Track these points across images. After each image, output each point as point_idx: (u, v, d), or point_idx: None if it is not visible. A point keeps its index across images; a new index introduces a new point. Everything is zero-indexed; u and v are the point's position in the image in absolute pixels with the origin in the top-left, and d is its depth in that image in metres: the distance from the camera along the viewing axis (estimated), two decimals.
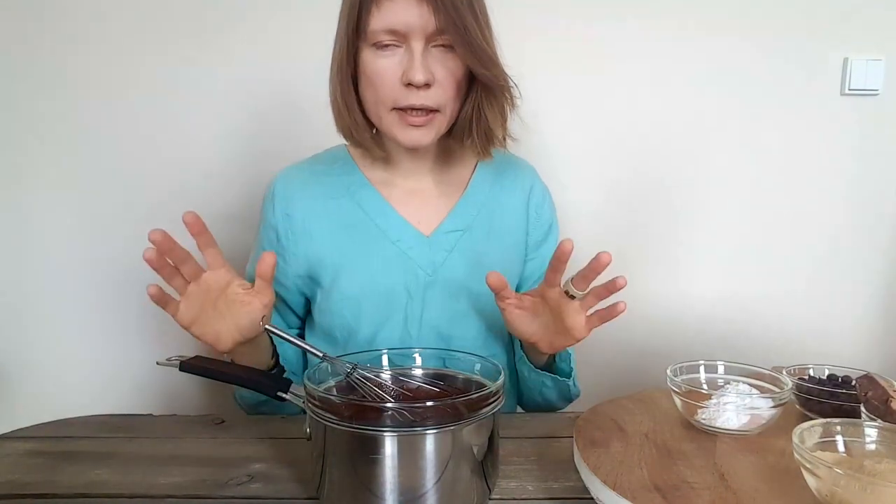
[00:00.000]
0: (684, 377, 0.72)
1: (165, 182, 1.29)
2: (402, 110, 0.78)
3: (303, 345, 0.69)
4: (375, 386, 0.65)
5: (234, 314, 0.72)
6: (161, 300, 0.70)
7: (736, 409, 0.66)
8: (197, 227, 0.70)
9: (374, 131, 0.85)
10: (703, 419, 0.67)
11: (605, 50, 1.27)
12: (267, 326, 0.68)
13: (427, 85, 0.75)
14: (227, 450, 0.74)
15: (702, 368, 0.75)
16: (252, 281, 0.92)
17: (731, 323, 1.34)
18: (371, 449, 0.55)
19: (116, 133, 1.28)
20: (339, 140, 0.89)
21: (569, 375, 0.86)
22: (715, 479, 0.57)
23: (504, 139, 0.86)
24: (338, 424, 0.56)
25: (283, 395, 0.67)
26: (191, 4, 1.25)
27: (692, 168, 1.31)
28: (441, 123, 0.81)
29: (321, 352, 0.67)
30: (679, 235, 1.33)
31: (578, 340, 0.75)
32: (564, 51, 1.26)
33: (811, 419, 0.59)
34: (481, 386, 0.65)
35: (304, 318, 0.95)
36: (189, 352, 0.75)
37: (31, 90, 1.27)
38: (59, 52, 1.26)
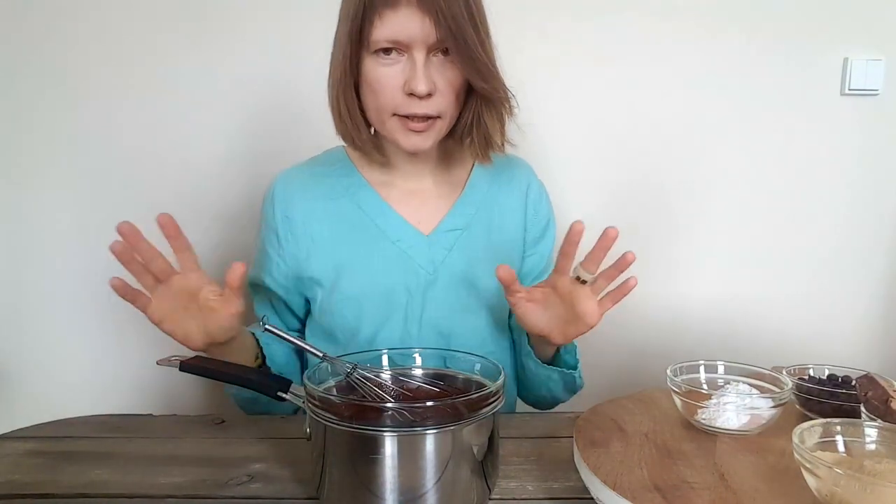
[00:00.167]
0: (684, 377, 0.72)
1: (166, 182, 1.29)
2: (404, 116, 0.79)
3: (303, 345, 0.69)
4: (375, 386, 0.65)
5: (204, 319, 0.72)
6: (127, 294, 0.70)
7: (736, 409, 0.66)
8: (170, 229, 0.70)
9: (373, 133, 0.86)
10: (703, 419, 0.67)
11: (603, 51, 1.27)
12: (267, 326, 0.68)
13: (429, 94, 0.77)
14: (227, 450, 0.74)
15: (702, 368, 0.75)
16: (255, 287, 0.93)
17: (732, 324, 1.34)
18: (371, 449, 0.55)
19: (117, 133, 1.28)
20: (339, 141, 0.89)
21: (575, 367, 0.86)
22: (715, 479, 0.57)
23: (502, 145, 0.87)
24: (338, 424, 0.56)
25: (283, 395, 0.67)
26: (191, 5, 1.25)
27: (692, 169, 1.31)
28: (441, 128, 0.82)
29: (321, 352, 0.67)
30: (679, 237, 1.33)
31: (591, 327, 0.75)
32: (563, 53, 1.26)
33: (811, 419, 0.59)
34: (481, 386, 0.65)
35: (304, 320, 0.95)
36: (189, 352, 0.75)
37: (32, 90, 1.27)
38: (59, 52, 1.26)
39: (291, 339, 0.69)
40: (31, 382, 1.34)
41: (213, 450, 0.74)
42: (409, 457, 0.55)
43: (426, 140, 0.81)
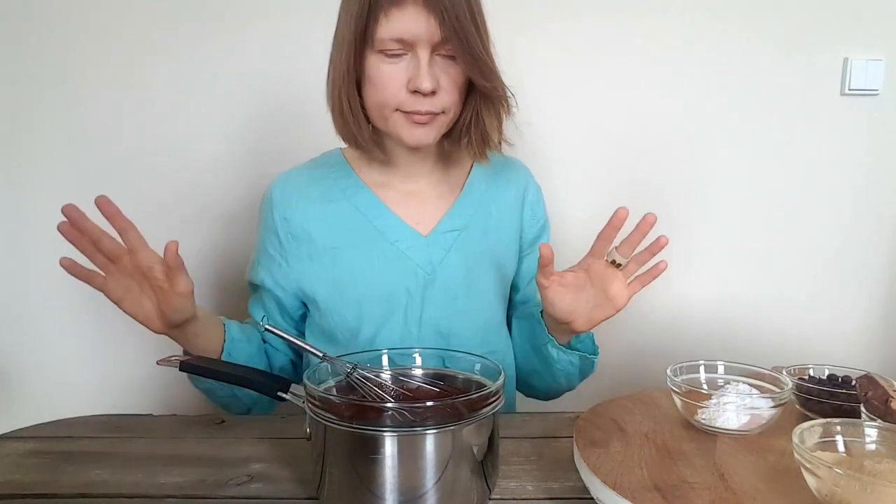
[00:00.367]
0: (684, 377, 0.72)
1: (166, 182, 1.29)
2: (407, 112, 0.79)
3: (303, 345, 0.69)
4: (375, 386, 0.65)
5: (157, 299, 0.72)
6: (79, 273, 0.72)
7: (736, 409, 0.66)
8: (108, 209, 0.71)
9: (372, 131, 0.86)
10: (703, 419, 0.67)
11: (603, 51, 1.27)
12: (267, 326, 0.68)
13: (433, 92, 0.77)
14: (227, 450, 0.74)
15: (702, 368, 0.75)
16: (253, 287, 0.93)
17: (732, 324, 1.34)
18: (371, 449, 0.55)
19: (117, 133, 1.28)
20: (338, 143, 0.89)
21: (595, 353, 0.88)
22: (715, 479, 0.57)
23: (500, 143, 0.88)
24: (338, 424, 0.56)
25: (283, 395, 0.67)
26: (191, 5, 1.25)
27: (692, 169, 1.31)
28: (443, 123, 0.83)
29: (321, 352, 0.67)
30: (678, 237, 1.32)
31: (619, 310, 0.77)
32: (562, 52, 1.26)
33: (811, 419, 0.59)
34: (481, 386, 0.65)
35: (298, 322, 0.94)
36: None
37: (32, 90, 1.27)
38: (59, 52, 1.26)
39: (291, 338, 0.69)
40: (31, 382, 1.34)
41: (213, 450, 0.74)
42: (409, 457, 0.55)
43: (429, 134, 0.82)
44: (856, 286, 1.35)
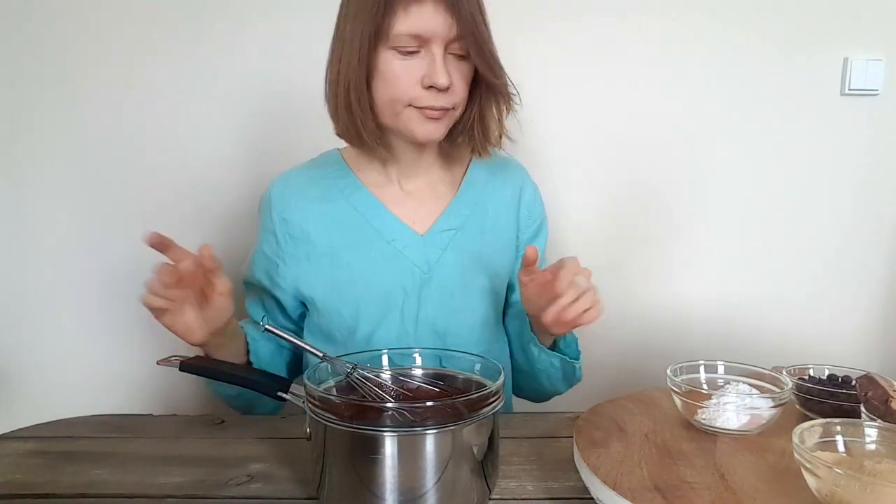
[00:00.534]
0: (684, 377, 0.73)
1: (166, 182, 1.29)
2: (420, 107, 0.80)
3: (303, 345, 0.69)
4: (375, 386, 0.65)
5: (201, 302, 0.73)
6: (162, 245, 0.71)
7: (736, 409, 0.66)
8: (163, 242, 0.71)
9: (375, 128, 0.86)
10: (703, 419, 0.67)
11: (603, 51, 1.27)
12: (267, 326, 0.68)
13: (447, 88, 0.78)
14: (226, 450, 0.74)
15: (702, 368, 0.75)
16: (249, 286, 0.93)
17: (732, 324, 1.34)
18: (371, 449, 0.55)
19: (117, 133, 1.28)
20: (337, 143, 0.89)
21: (577, 358, 0.87)
22: (715, 479, 0.57)
23: (500, 137, 0.88)
24: (338, 424, 0.56)
25: (284, 395, 0.67)
26: (192, 5, 1.25)
27: (692, 169, 1.31)
28: (452, 119, 0.84)
29: (321, 352, 0.67)
30: (678, 236, 1.33)
31: (586, 322, 0.75)
32: (561, 54, 1.26)
33: (811, 419, 0.59)
34: (481, 386, 0.65)
35: (296, 321, 0.95)
36: (189, 352, 0.75)
37: (32, 90, 1.27)
38: (59, 52, 1.26)
39: (291, 338, 0.69)
40: (31, 382, 1.34)
41: (213, 450, 0.74)
42: (409, 457, 0.55)
43: (439, 129, 0.83)
44: (856, 286, 1.35)
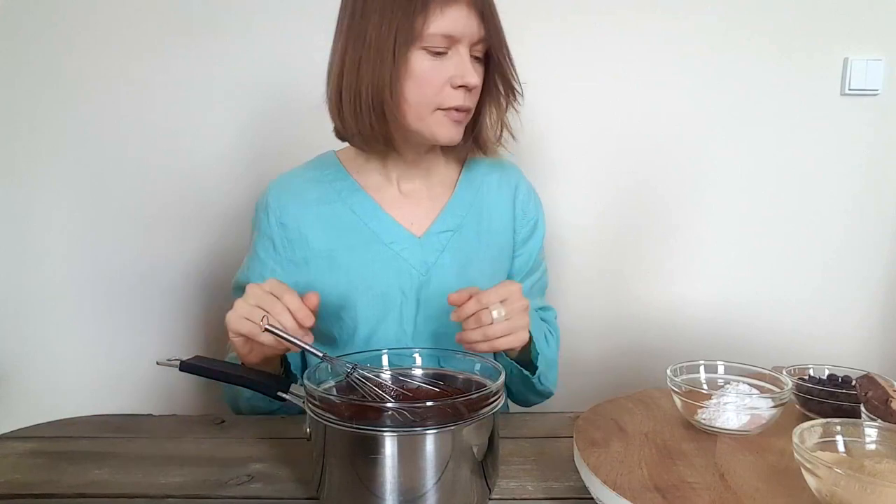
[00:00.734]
0: (684, 377, 0.72)
1: (166, 182, 1.29)
2: (447, 110, 0.80)
3: (303, 345, 0.69)
4: (375, 386, 0.65)
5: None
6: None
7: (736, 409, 0.66)
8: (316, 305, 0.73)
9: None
10: (703, 419, 0.67)
11: (601, 53, 1.27)
12: (267, 326, 0.68)
13: (475, 87, 0.80)
14: (227, 450, 0.74)
15: (702, 368, 0.75)
16: (240, 291, 0.93)
17: (732, 324, 1.34)
18: (371, 449, 0.55)
19: (118, 133, 1.28)
20: (335, 143, 0.89)
21: (533, 373, 0.86)
22: (715, 479, 0.57)
23: (500, 136, 0.89)
24: (338, 424, 0.56)
25: (284, 395, 0.67)
26: (192, 5, 1.25)
27: (692, 169, 1.31)
28: (467, 121, 0.85)
29: (321, 352, 0.67)
30: (678, 237, 1.33)
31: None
32: (560, 54, 1.26)
33: (811, 419, 0.59)
34: (481, 386, 0.65)
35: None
36: (189, 352, 0.75)
37: (33, 90, 1.27)
38: (59, 52, 1.26)
39: (291, 338, 0.68)
40: (31, 382, 1.34)
41: (213, 450, 0.74)
42: (409, 457, 0.55)
43: (461, 131, 0.84)
44: (856, 286, 1.35)
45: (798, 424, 0.56)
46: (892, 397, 0.62)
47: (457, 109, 0.80)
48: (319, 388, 0.60)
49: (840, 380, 0.73)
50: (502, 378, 0.62)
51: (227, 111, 1.28)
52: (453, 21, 0.76)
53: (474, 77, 0.79)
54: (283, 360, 0.85)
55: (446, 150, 0.92)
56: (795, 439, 0.53)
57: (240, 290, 0.93)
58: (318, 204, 0.88)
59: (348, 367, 0.66)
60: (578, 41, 1.26)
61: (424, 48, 0.77)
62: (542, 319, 0.97)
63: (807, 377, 0.75)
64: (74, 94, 1.27)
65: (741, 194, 1.32)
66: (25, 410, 1.32)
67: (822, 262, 1.34)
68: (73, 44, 1.26)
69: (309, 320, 0.70)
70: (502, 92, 0.85)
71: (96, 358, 1.34)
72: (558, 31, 1.26)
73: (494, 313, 0.72)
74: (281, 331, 0.68)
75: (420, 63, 0.77)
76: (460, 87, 0.79)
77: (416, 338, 0.87)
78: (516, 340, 0.75)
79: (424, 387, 0.68)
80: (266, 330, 0.68)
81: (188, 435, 0.79)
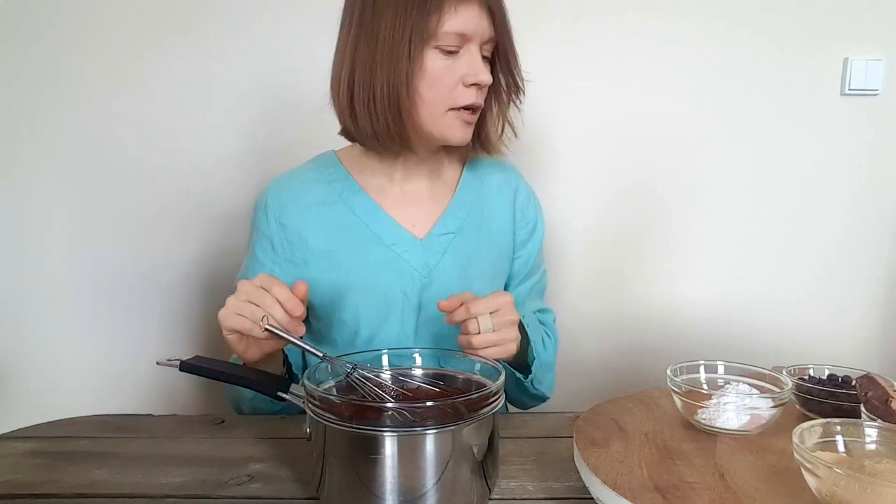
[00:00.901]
0: (684, 377, 0.72)
1: (166, 182, 1.29)
2: (459, 110, 0.81)
3: (303, 345, 0.69)
4: (375, 386, 0.65)
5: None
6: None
7: (736, 409, 0.66)
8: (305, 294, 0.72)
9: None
10: (703, 419, 0.67)
11: (602, 51, 1.27)
12: (267, 326, 0.68)
13: (488, 84, 0.81)
14: (227, 450, 0.74)
15: (702, 368, 0.75)
16: None
17: (732, 324, 1.34)
18: (371, 449, 0.55)
19: (118, 133, 1.28)
20: (339, 143, 0.89)
21: (527, 376, 0.86)
22: (715, 479, 0.57)
23: (502, 133, 0.89)
24: (338, 424, 0.56)
25: (284, 395, 0.67)
26: (193, 5, 1.25)
27: (692, 169, 1.31)
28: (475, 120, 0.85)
29: (321, 352, 0.67)
30: (678, 237, 1.33)
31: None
32: (560, 54, 1.26)
33: (811, 419, 0.59)
34: (481, 386, 0.65)
35: None
36: (189, 352, 0.75)
37: (32, 90, 1.27)
38: (60, 51, 1.26)
39: (291, 338, 0.69)
40: (31, 382, 1.34)
41: (213, 450, 0.74)
42: (409, 457, 0.55)
43: (471, 131, 0.84)
44: (856, 286, 1.35)
45: (798, 424, 0.56)
46: (892, 397, 0.62)
47: (468, 109, 0.81)
48: (319, 388, 0.60)
49: (840, 380, 0.73)
50: (502, 378, 0.62)
51: (227, 111, 1.28)
52: (466, 20, 0.77)
53: (487, 75, 0.79)
54: (286, 359, 0.85)
55: (449, 149, 0.92)
56: (795, 439, 0.53)
57: None
58: (319, 205, 0.88)
59: (348, 367, 0.66)
60: (578, 41, 1.26)
61: (438, 47, 0.77)
62: (541, 322, 0.97)
63: (807, 377, 0.75)
64: (74, 94, 1.27)
65: (741, 194, 1.32)
66: (25, 410, 1.32)
67: (822, 262, 1.34)
68: (73, 44, 1.25)
69: (299, 309, 0.69)
70: (505, 89, 0.86)
71: (96, 358, 1.34)
72: (558, 31, 1.26)
73: (482, 324, 0.73)
74: (281, 331, 0.68)
75: (434, 62, 0.78)
76: (472, 84, 0.79)
77: (418, 339, 0.87)
78: (502, 352, 0.76)
79: (424, 387, 0.68)
80: (266, 330, 0.68)
81: (188, 435, 0.79)
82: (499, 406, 0.60)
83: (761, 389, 0.70)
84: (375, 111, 0.79)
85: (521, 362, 0.85)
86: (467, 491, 0.58)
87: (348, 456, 0.57)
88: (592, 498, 0.58)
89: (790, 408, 0.73)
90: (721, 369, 0.75)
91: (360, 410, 0.58)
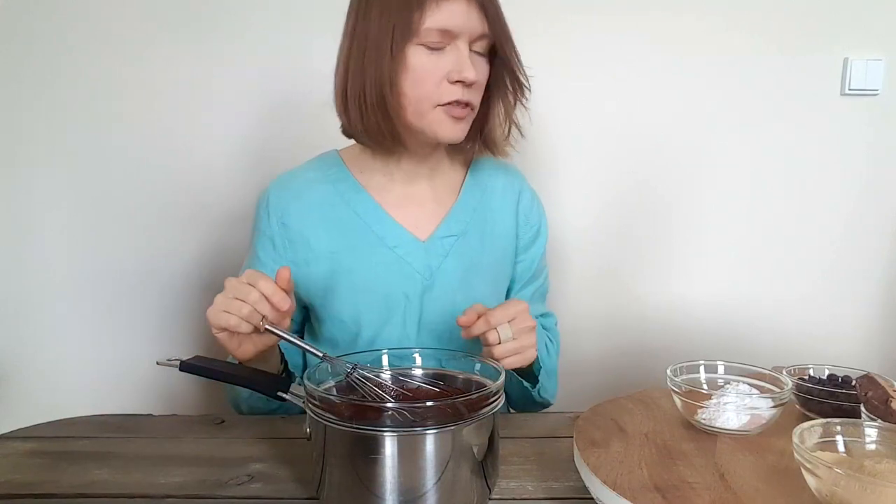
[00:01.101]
0: (684, 377, 0.72)
1: (166, 182, 1.29)
2: (446, 106, 0.80)
3: (303, 345, 0.69)
4: (375, 386, 0.65)
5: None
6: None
7: (736, 409, 0.66)
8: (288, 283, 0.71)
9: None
10: (703, 419, 0.67)
11: (601, 53, 1.27)
12: (267, 326, 0.68)
13: (473, 83, 0.79)
14: (227, 450, 0.74)
15: (702, 368, 0.75)
16: None
17: (732, 324, 1.34)
18: (371, 449, 0.55)
19: (118, 133, 1.28)
20: (340, 143, 0.89)
21: (534, 385, 0.87)
22: (715, 479, 0.57)
23: (509, 134, 0.89)
24: (338, 424, 0.56)
25: (284, 395, 0.67)
26: (193, 5, 1.25)
27: (692, 169, 1.31)
28: (471, 119, 0.84)
29: (321, 352, 0.67)
30: (678, 237, 1.33)
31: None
32: (559, 55, 1.26)
33: (811, 419, 0.59)
34: (481, 386, 0.65)
35: (300, 328, 0.95)
36: (189, 352, 0.75)
37: (32, 90, 1.27)
38: (60, 51, 1.26)
39: (291, 338, 0.68)
40: (31, 382, 1.34)
41: (213, 450, 0.74)
42: (409, 457, 0.55)
43: (464, 129, 0.83)
44: (856, 286, 1.35)
45: (798, 424, 0.56)
46: (892, 397, 0.62)
47: (456, 105, 0.79)
48: (319, 388, 0.60)
49: (840, 380, 0.73)
50: (502, 378, 0.62)
51: (227, 111, 1.28)
52: (450, 15, 0.76)
53: (471, 72, 0.77)
54: (283, 358, 0.85)
55: (452, 150, 0.92)
56: (795, 439, 0.53)
57: None
58: (321, 205, 0.88)
59: (348, 367, 0.66)
60: (578, 41, 1.26)
61: (422, 44, 0.77)
62: (543, 326, 0.97)
63: (807, 377, 0.75)
64: (74, 94, 1.27)
65: (741, 194, 1.32)
66: (25, 410, 1.32)
67: (821, 262, 1.34)
68: (73, 44, 1.25)
69: (285, 303, 0.69)
70: (510, 88, 0.84)
71: (96, 358, 1.34)
72: (558, 31, 1.26)
73: (502, 334, 0.73)
74: (281, 331, 0.68)
75: (417, 58, 0.77)
76: (457, 82, 0.78)
77: (420, 341, 0.87)
78: (523, 360, 0.75)
79: (424, 387, 0.68)
80: (265, 330, 0.68)
81: (188, 435, 0.79)
82: (499, 406, 0.60)
83: (761, 389, 0.70)
84: (366, 109, 0.79)
85: (527, 371, 0.85)
86: (467, 491, 0.58)
87: (348, 456, 0.57)
88: (592, 498, 0.58)
89: (790, 408, 0.73)
90: (721, 369, 0.75)
91: (360, 410, 0.58)
